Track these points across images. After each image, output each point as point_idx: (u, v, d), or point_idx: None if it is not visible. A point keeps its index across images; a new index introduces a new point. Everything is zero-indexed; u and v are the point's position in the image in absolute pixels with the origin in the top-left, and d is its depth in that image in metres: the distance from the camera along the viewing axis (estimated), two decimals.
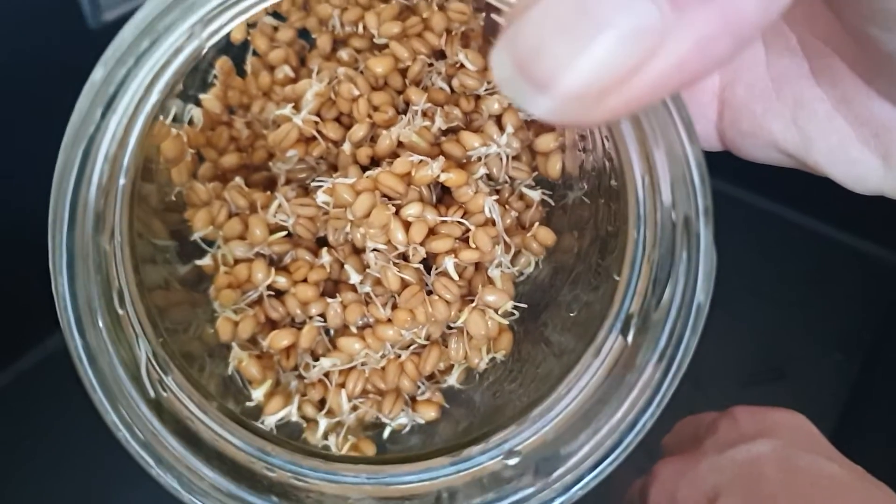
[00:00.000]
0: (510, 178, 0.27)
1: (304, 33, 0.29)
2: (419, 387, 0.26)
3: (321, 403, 0.26)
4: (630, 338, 0.20)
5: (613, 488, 0.38)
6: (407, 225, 0.24)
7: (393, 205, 0.24)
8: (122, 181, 0.20)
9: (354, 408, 0.25)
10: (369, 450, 0.25)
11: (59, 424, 0.53)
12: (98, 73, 0.17)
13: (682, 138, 0.18)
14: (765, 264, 0.70)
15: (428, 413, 0.26)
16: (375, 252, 0.25)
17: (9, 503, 0.56)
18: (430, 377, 0.26)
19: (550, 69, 0.12)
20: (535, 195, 0.27)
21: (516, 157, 0.27)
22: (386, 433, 0.26)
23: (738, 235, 0.70)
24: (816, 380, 0.65)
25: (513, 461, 0.21)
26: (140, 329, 0.21)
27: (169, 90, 0.19)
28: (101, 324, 0.19)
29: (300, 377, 0.26)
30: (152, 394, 0.20)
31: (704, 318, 0.19)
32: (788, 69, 0.22)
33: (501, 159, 0.26)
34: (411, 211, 0.24)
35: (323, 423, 0.25)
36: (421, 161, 0.24)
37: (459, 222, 0.25)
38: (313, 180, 0.26)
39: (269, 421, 0.24)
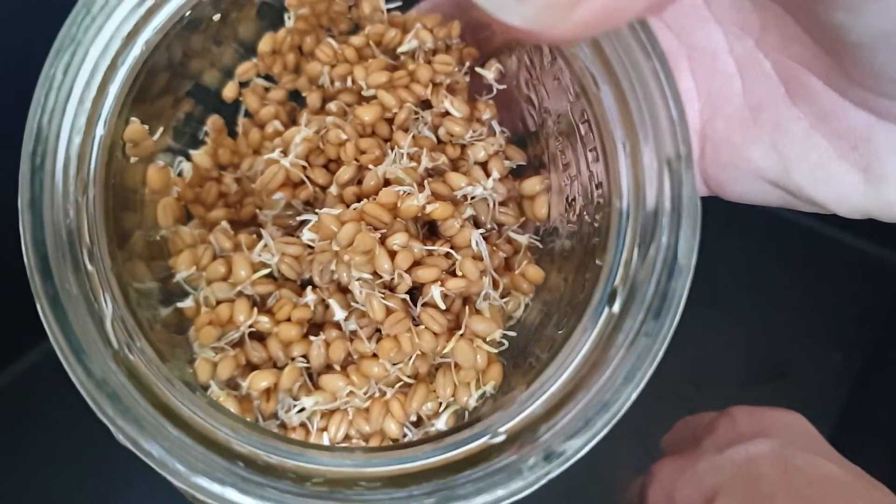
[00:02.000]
0: (497, 224, 0.27)
1: (294, 96, 0.30)
2: (406, 434, 0.25)
3: None
4: (616, 306, 0.20)
5: (613, 488, 0.39)
6: (392, 254, 0.24)
7: (379, 234, 0.24)
8: (100, 131, 0.20)
9: None
10: None
11: (58, 424, 0.54)
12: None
13: (659, 77, 0.18)
14: (765, 264, 0.69)
15: None
16: (360, 281, 0.24)
17: (8, 503, 0.55)
18: (418, 423, 0.25)
19: None
20: (523, 239, 0.27)
21: (503, 204, 0.27)
22: None
23: (739, 236, 0.70)
24: (816, 380, 0.64)
25: (497, 440, 0.20)
26: (108, 289, 0.21)
27: (154, 49, 0.20)
28: (68, 271, 0.19)
29: (282, 425, 0.25)
30: (117, 347, 0.20)
31: (693, 266, 0.19)
32: (765, 95, 0.22)
33: (488, 204, 0.26)
34: (397, 240, 0.24)
35: None
36: (407, 193, 0.24)
37: (447, 254, 0.25)
38: (299, 224, 0.26)
39: None
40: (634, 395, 0.19)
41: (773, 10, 0.21)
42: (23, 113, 0.20)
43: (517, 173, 0.28)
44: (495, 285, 0.26)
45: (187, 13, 0.20)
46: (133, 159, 0.24)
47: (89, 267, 0.20)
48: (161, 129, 0.25)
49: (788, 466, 0.33)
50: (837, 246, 0.69)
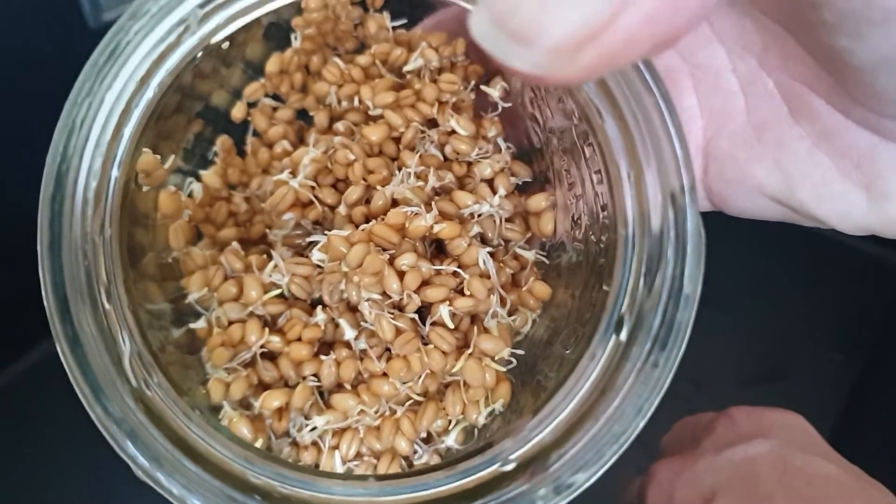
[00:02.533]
0: (504, 240, 0.27)
1: (302, 115, 0.30)
2: (416, 451, 0.25)
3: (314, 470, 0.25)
4: (624, 334, 0.20)
5: (612, 488, 0.39)
6: (401, 274, 0.24)
7: (388, 255, 0.25)
8: (115, 173, 0.20)
9: (349, 472, 0.25)
10: None
11: (57, 425, 0.53)
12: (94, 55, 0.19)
13: (662, 111, 0.19)
14: (765, 264, 0.69)
15: None
16: (370, 302, 0.24)
17: (8, 503, 0.55)
18: (428, 439, 0.26)
19: (526, 21, 0.13)
20: (530, 255, 0.27)
21: (509, 220, 0.27)
22: None
23: (739, 236, 0.70)
24: (816, 380, 0.65)
25: (508, 467, 0.20)
26: (126, 326, 0.21)
27: (166, 90, 0.20)
28: (86, 311, 0.19)
29: (294, 444, 0.25)
30: (135, 384, 0.20)
31: (698, 297, 0.19)
32: (768, 114, 0.23)
33: (495, 221, 0.27)
34: (406, 261, 0.24)
35: None
36: (415, 213, 0.25)
37: (455, 272, 0.25)
38: (309, 244, 0.27)
39: None
40: (642, 425, 0.19)
41: (774, 30, 0.21)
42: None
43: (522, 189, 0.28)
44: (503, 303, 0.26)
45: (199, 54, 0.21)
46: (145, 188, 0.24)
47: (107, 305, 0.20)
48: (172, 157, 0.25)
49: (787, 466, 0.33)
50: (838, 246, 0.69)
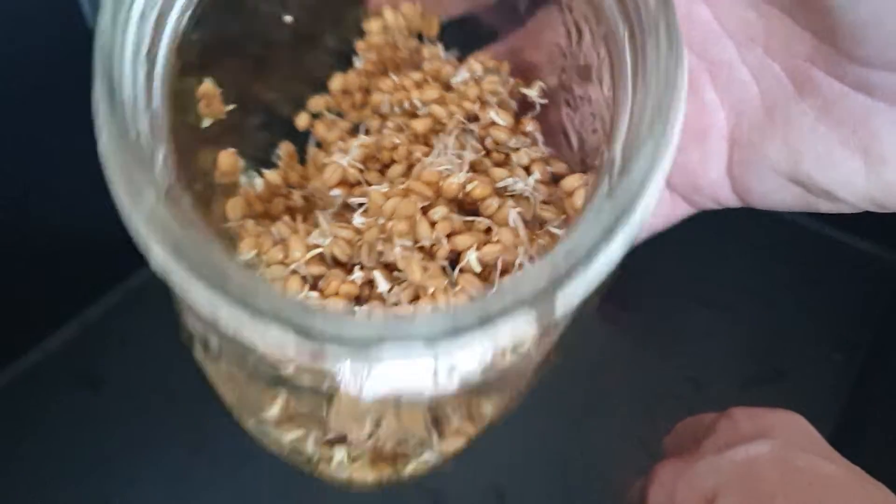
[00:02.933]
0: (539, 221, 0.28)
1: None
2: None
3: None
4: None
5: (613, 489, 0.39)
6: (433, 225, 0.26)
7: (422, 207, 0.26)
8: (166, 39, 0.21)
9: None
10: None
11: (58, 425, 0.53)
12: None
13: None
14: (765, 264, 0.66)
15: (454, 443, 0.25)
16: (401, 248, 0.25)
17: (8, 503, 0.54)
18: None
19: None
20: (562, 234, 0.28)
21: (545, 202, 0.28)
22: (409, 468, 0.26)
23: (738, 236, 0.70)
24: (816, 380, 0.61)
25: None
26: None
27: None
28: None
29: None
30: (164, 184, 0.20)
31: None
32: (778, 96, 0.25)
33: (531, 201, 0.28)
34: (438, 213, 0.26)
35: (339, 454, 0.25)
36: (449, 172, 0.26)
37: (487, 229, 0.26)
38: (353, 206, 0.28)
39: (285, 440, 0.25)
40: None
41: (775, 15, 0.24)
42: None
43: (558, 182, 0.29)
44: (532, 261, 0.26)
45: None
46: (205, 122, 0.26)
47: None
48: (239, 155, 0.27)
49: (789, 467, 0.32)
50: (837, 246, 0.68)
